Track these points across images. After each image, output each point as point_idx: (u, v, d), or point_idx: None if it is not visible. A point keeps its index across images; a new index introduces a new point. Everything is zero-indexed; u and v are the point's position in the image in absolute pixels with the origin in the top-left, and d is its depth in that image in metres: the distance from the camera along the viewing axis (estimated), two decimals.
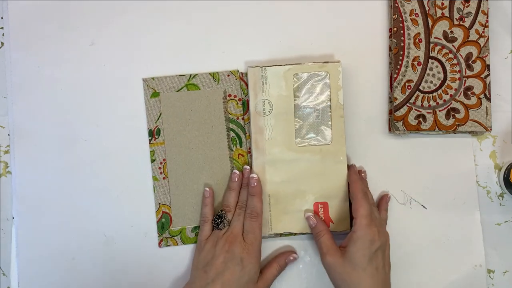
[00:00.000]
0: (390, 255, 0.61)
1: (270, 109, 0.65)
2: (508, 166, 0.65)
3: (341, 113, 0.65)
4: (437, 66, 0.66)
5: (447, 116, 0.66)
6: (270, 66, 0.65)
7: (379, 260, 0.58)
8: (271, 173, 0.65)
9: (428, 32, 0.66)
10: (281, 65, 0.65)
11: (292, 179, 0.65)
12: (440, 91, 0.66)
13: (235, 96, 0.67)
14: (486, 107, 0.66)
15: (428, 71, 0.66)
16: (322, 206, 0.65)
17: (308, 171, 0.65)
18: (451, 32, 0.67)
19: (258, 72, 0.65)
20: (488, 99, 0.66)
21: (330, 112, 0.65)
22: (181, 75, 0.67)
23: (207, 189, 0.65)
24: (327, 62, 0.65)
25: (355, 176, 0.63)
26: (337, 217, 0.65)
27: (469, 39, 0.67)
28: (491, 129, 0.66)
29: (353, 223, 0.60)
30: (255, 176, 0.64)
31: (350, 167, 0.65)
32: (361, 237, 0.58)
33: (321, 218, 0.65)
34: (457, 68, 0.66)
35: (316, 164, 0.65)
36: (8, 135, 0.68)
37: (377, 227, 0.59)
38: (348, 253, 0.58)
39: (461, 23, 0.67)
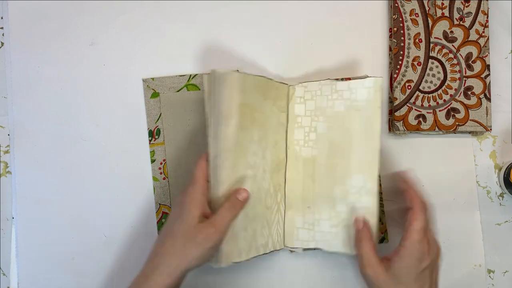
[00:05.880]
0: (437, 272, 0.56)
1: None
2: (508, 166, 0.65)
3: None
4: (437, 66, 0.66)
5: (447, 116, 0.66)
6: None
7: (426, 279, 0.54)
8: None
9: (428, 32, 0.66)
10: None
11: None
12: (440, 91, 0.66)
13: None
14: (486, 107, 0.66)
15: (428, 71, 0.66)
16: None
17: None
18: (451, 32, 0.67)
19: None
20: (488, 99, 0.66)
21: None
22: (181, 75, 0.67)
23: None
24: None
25: (412, 182, 0.58)
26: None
27: (469, 39, 0.66)
28: (491, 129, 0.66)
29: (403, 234, 0.54)
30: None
31: (403, 173, 0.60)
32: (410, 254, 0.53)
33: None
34: (457, 68, 0.66)
35: None
36: (8, 135, 0.68)
37: (429, 244, 0.54)
38: (393, 268, 0.54)
39: (461, 23, 0.67)
